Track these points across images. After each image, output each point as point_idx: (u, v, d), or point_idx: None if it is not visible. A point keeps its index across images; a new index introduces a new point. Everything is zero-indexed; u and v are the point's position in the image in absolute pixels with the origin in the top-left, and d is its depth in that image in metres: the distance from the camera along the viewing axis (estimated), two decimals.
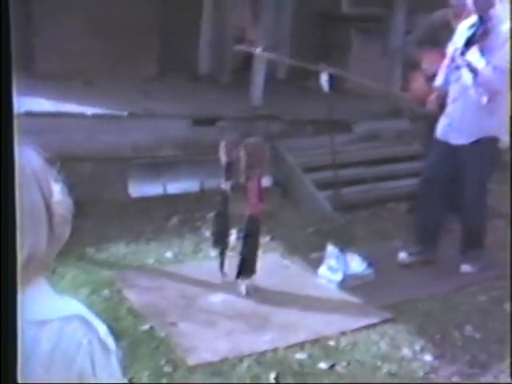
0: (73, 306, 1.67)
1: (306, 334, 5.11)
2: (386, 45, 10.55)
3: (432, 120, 7.44)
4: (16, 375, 1.20)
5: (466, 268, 6.53)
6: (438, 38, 7.06)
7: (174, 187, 7.62)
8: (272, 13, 8.97)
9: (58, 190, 1.66)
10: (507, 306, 5.82)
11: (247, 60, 10.22)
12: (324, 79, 6.50)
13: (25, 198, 1.48)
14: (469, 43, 6.09)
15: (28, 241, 1.50)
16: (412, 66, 7.70)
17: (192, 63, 10.31)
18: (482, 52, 6.04)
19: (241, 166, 5.57)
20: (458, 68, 6.15)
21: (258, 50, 8.37)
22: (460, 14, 6.75)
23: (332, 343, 5.04)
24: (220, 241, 5.89)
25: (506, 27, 6.20)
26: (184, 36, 10.05)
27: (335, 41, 11.28)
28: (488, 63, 6.00)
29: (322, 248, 6.63)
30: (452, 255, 6.67)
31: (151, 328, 5.06)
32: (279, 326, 5.21)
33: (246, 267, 5.62)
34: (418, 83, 7.41)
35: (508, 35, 6.17)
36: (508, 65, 6.00)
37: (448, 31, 6.79)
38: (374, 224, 7.61)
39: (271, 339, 5.01)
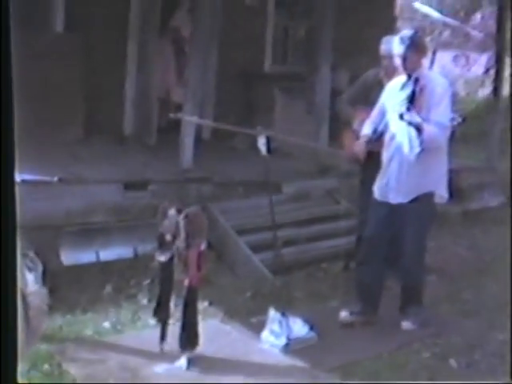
0: None
1: None
2: (309, 103, 10.66)
3: (363, 176, 7.55)
4: (16, 375, 1.21)
5: (406, 325, 6.53)
6: (371, 96, 7.16)
7: (107, 254, 7.43)
8: (196, 72, 8.92)
9: (32, 280, 1.58)
10: (452, 361, 5.84)
11: (172, 120, 10.19)
12: (261, 142, 6.50)
13: None
14: (407, 104, 6.16)
15: None
16: (344, 123, 7.78)
17: (117, 124, 10.21)
18: (419, 110, 6.13)
19: (181, 235, 5.46)
20: (402, 120, 6.18)
21: (194, 119, 8.32)
22: (391, 74, 6.86)
23: None
24: (162, 311, 5.74)
25: (440, 85, 6.32)
26: (108, 97, 9.97)
27: (259, 100, 11.36)
28: (426, 121, 6.08)
29: (261, 312, 6.56)
30: (391, 312, 6.67)
31: None
32: None
33: (189, 339, 5.48)
34: (349, 141, 7.46)
35: (446, 92, 6.30)
36: (448, 120, 6.13)
37: (380, 90, 6.90)
38: (309, 285, 7.57)
39: None
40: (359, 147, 6.70)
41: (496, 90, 11.63)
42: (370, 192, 6.72)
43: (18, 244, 1.57)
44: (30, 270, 1.52)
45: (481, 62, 16.45)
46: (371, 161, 6.73)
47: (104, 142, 9.66)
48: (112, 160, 8.83)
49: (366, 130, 6.65)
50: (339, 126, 8.39)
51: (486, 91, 16.26)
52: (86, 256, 7.32)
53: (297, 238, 8.20)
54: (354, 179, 8.46)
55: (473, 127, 12.42)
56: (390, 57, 6.93)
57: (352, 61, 11.21)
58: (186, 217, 5.44)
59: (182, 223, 5.42)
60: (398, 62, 6.33)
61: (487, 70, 16.10)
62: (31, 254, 1.54)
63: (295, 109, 11.03)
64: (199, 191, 8.41)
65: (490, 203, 11.35)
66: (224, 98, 10.90)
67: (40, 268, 1.57)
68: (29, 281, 1.48)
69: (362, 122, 7.07)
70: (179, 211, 5.62)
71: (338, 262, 8.13)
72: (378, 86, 7.12)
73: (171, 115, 8.21)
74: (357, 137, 7.21)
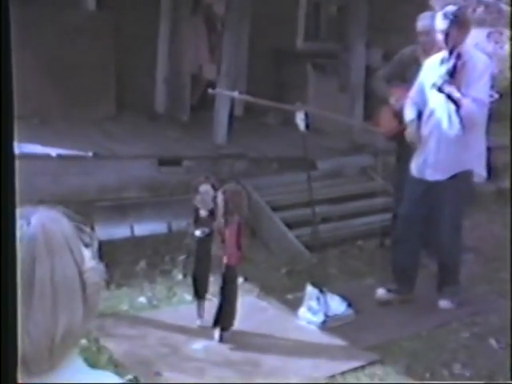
0: (109, 379, 1.55)
1: (295, 379, 4.94)
2: (342, 81, 10.55)
3: (399, 154, 7.46)
4: (16, 375, 1.17)
5: (444, 304, 6.46)
6: (407, 74, 7.07)
7: (141, 229, 7.41)
8: (229, 49, 8.84)
9: (89, 256, 1.53)
10: (492, 341, 5.76)
11: (204, 97, 10.13)
12: (300, 118, 6.38)
13: (58, 270, 1.42)
14: (447, 77, 6.05)
15: (63, 317, 1.42)
16: (380, 101, 7.68)
17: (149, 101, 10.16)
18: (458, 86, 6.02)
19: (219, 212, 5.40)
20: (440, 95, 6.06)
21: (235, 94, 8.24)
22: (429, 51, 6.74)
23: None
24: (200, 287, 5.69)
25: (482, 62, 6.21)
26: (140, 74, 9.90)
27: (291, 77, 11.25)
28: (465, 96, 5.98)
29: (297, 288, 6.53)
30: (428, 291, 6.61)
31: (135, 378, 4.83)
32: (268, 372, 5.03)
33: (225, 319, 5.44)
34: (386, 118, 7.38)
35: (486, 69, 6.19)
36: (487, 97, 6.01)
37: (417, 67, 6.79)
38: (345, 262, 7.52)
39: None
40: (411, 133, 6.48)
41: None
42: (405, 169, 6.63)
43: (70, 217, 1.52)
44: (86, 245, 1.47)
45: None
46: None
47: (136, 118, 9.61)
48: (145, 137, 8.78)
49: (410, 114, 6.47)
50: (374, 104, 8.30)
51: None
52: (120, 231, 7.30)
53: (331, 214, 8.12)
54: (389, 157, 8.37)
55: (505, 105, 12.23)
56: (427, 33, 6.84)
57: (385, 38, 11.05)
58: (224, 193, 5.38)
59: (219, 199, 5.36)
60: (440, 37, 6.20)
61: None
62: (87, 229, 1.49)
63: (328, 86, 10.91)
64: (233, 167, 8.36)
65: None
66: (256, 74, 10.80)
67: (96, 243, 1.52)
68: (85, 257, 1.43)
69: (399, 98, 6.98)
70: (214, 186, 5.56)
71: (373, 240, 8.06)
72: (415, 64, 7.02)
73: (210, 90, 8.12)
74: (393, 113, 7.13)
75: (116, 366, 4.94)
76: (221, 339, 5.43)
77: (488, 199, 9.98)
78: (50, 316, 1.40)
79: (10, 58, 1.12)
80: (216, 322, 5.45)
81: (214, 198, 5.50)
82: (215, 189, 5.55)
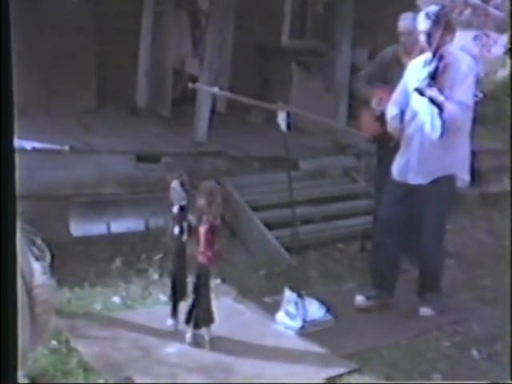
0: None
1: None
2: (327, 80, 10.41)
3: (380, 156, 7.34)
4: (16, 375, 1.18)
5: (425, 311, 6.33)
6: (388, 75, 6.96)
7: (118, 226, 7.24)
8: (213, 45, 8.67)
9: (39, 271, 1.38)
10: (473, 352, 5.64)
11: (186, 93, 9.97)
12: (281, 118, 6.22)
13: None
14: (428, 80, 5.92)
15: None
16: (361, 102, 7.56)
17: (130, 96, 9.97)
18: (441, 88, 5.88)
19: (195, 210, 5.26)
20: (423, 99, 5.94)
21: (215, 89, 8.08)
22: (411, 51, 6.62)
23: None
24: (179, 290, 5.51)
25: (466, 64, 6.07)
26: (122, 67, 9.72)
27: (276, 74, 11.11)
28: (448, 99, 5.84)
29: (275, 291, 6.40)
30: (408, 297, 6.48)
31: (105, 383, 4.66)
32: (243, 379, 4.87)
33: (197, 317, 5.27)
34: (367, 120, 7.26)
35: (470, 72, 6.06)
36: (471, 100, 5.89)
37: (399, 68, 6.70)
38: (325, 265, 7.38)
39: None
40: (392, 129, 6.35)
41: None
42: (386, 172, 6.50)
43: (19, 228, 1.42)
44: (37, 259, 1.33)
45: (501, 42, 16.15)
46: (388, 140, 6.49)
47: (117, 112, 9.44)
48: (125, 131, 8.61)
49: (392, 111, 6.33)
50: (358, 104, 8.17)
51: (505, 72, 15.97)
52: (96, 228, 7.14)
53: (313, 216, 7.97)
54: (372, 158, 8.24)
55: (491, 108, 12.15)
56: (409, 34, 6.74)
57: (372, 38, 10.92)
58: (201, 191, 5.24)
59: (198, 197, 5.21)
60: (422, 38, 6.07)
61: (507, 51, 15.79)
62: (39, 240, 1.35)
63: (312, 85, 10.77)
64: (213, 165, 8.19)
65: (508, 187, 11.08)
66: (240, 71, 10.64)
67: (48, 257, 1.38)
68: (35, 271, 1.30)
69: (380, 100, 6.86)
70: (182, 183, 5.43)
71: (354, 243, 7.92)
72: (396, 64, 6.92)
73: (190, 85, 7.95)
74: (374, 117, 7.00)
75: (86, 370, 4.76)
76: (193, 339, 5.27)
77: (471, 204, 9.88)
78: None
79: (9, 58, 1.15)
80: (188, 320, 5.29)
81: (187, 196, 5.38)
82: (183, 185, 5.42)
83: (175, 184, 5.42)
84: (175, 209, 5.43)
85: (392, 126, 6.30)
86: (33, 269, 1.37)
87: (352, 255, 7.72)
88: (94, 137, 8.17)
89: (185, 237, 5.40)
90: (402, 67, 6.63)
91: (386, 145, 6.59)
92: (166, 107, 9.86)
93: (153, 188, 7.46)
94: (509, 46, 10.71)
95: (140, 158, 7.75)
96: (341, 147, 9.43)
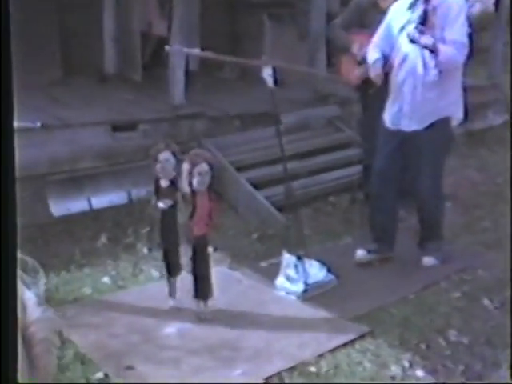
0: None
1: (281, 362, 4.49)
2: (300, 29, 10.06)
3: (365, 103, 7.07)
4: (16, 375, 1.16)
5: (428, 261, 6.10)
6: (365, 20, 6.71)
7: (100, 201, 6.91)
8: (181, 3, 8.26)
9: (34, 302, 1.17)
10: (485, 301, 5.40)
11: (156, 55, 9.59)
12: (267, 73, 5.86)
13: None
14: (419, 26, 5.60)
15: None
16: (339, 49, 7.26)
17: (98, 62, 9.55)
18: (433, 31, 5.57)
19: (183, 181, 4.90)
20: (413, 42, 5.63)
21: (196, 51, 7.72)
22: None
23: (312, 369, 4.45)
24: (173, 265, 5.20)
25: (456, 2, 5.74)
26: (87, 34, 9.29)
27: (247, 29, 10.74)
28: (441, 40, 5.54)
29: (271, 254, 6.15)
30: (409, 247, 6.25)
31: (106, 376, 4.35)
32: (250, 356, 4.58)
33: (202, 290, 4.99)
34: (348, 66, 6.99)
35: (461, 9, 5.74)
36: (466, 38, 5.59)
37: (376, 12, 6.45)
38: (319, 221, 7.11)
39: (244, 372, 4.39)
40: (374, 73, 6.04)
41: (498, 2, 10.94)
42: (373, 119, 6.24)
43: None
44: (28, 286, 1.10)
45: None
46: (372, 86, 6.21)
47: (85, 81, 9.05)
48: (96, 101, 8.22)
49: (374, 55, 6.01)
50: (336, 52, 7.85)
51: (481, 6, 15.65)
52: (77, 205, 6.82)
53: (300, 171, 7.63)
54: (356, 106, 7.93)
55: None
56: None
57: None
58: (189, 160, 4.88)
59: (184, 167, 4.86)
60: None
61: None
62: (30, 260, 1.12)
63: (285, 36, 10.39)
64: (192, 128, 7.84)
65: (494, 122, 10.85)
66: (209, 27, 10.22)
67: (42, 281, 1.13)
68: (29, 304, 1.07)
69: (361, 46, 6.57)
70: (174, 154, 5.07)
71: (345, 195, 7.66)
72: (374, 9, 6.68)
73: (166, 48, 7.56)
74: (356, 62, 6.73)
75: (83, 363, 4.45)
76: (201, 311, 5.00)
77: (459, 142, 9.60)
78: None
79: (9, 58, 1.23)
80: (196, 294, 5.01)
81: (176, 166, 5.02)
82: (176, 156, 5.06)
83: (166, 156, 5.03)
84: (164, 183, 5.09)
85: (374, 69, 5.98)
86: (25, 302, 1.18)
87: (345, 208, 7.47)
88: (65, 109, 7.78)
89: (178, 209, 5.07)
90: (379, 11, 6.38)
91: (371, 90, 6.31)
92: (137, 72, 9.45)
93: (132, 157, 7.14)
94: None
95: (115, 128, 7.39)
96: (322, 97, 9.11)
